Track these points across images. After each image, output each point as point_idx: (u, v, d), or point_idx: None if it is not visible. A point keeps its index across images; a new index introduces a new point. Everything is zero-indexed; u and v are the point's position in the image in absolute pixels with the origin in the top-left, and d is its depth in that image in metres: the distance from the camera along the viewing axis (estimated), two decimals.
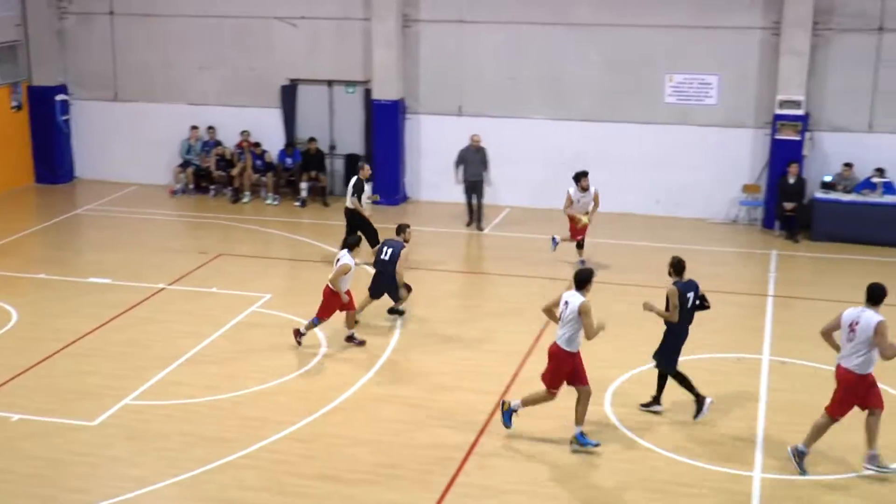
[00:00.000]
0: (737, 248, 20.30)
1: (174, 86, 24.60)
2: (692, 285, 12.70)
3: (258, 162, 23.70)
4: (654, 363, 13.05)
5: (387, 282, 15.80)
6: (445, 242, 20.70)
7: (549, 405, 12.44)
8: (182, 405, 13.12)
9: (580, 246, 18.97)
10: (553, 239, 19.07)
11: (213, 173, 24.02)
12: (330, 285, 14.72)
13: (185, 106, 24.53)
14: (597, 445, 12.04)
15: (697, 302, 12.76)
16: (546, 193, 22.18)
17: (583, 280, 12.04)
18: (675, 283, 12.63)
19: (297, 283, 18.52)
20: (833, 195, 20.50)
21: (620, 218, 21.91)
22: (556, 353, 12.08)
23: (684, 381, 12.83)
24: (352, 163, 23.89)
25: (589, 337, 11.94)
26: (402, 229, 16.06)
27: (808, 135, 20.96)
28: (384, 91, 22.97)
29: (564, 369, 12.01)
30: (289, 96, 23.96)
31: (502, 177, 22.20)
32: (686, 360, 14.36)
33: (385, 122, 23.13)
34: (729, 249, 20.19)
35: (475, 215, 21.63)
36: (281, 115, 24.01)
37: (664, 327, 12.82)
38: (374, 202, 19.50)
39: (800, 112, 20.78)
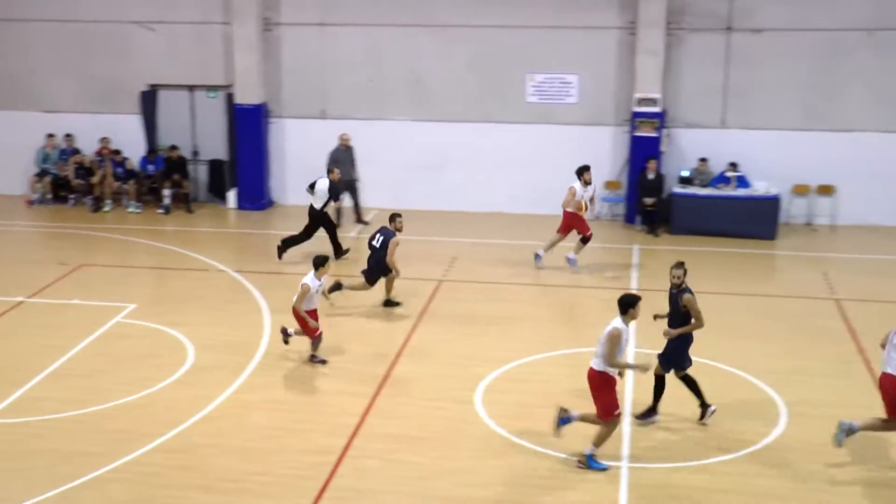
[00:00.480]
0: (600, 244, 20.72)
1: (28, 92, 23.90)
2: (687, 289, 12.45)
3: (119, 169, 23.21)
4: (665, 369, 12.69)
5: (379, 268, 16.34)
6: (314, 246, 20.57)
7: (422, 412, 12.51)
8: (45, 421, 12.75)
9: (586, 241, 18.73)
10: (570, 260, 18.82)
11: (71, 182, 23.42)
12: (295, 308, 14.26)
13: (41, 113, 23.85)
14: (604, 469, 11.68)
15: None
16: (410, 194, 22.30)
17: (625, 305, 11.56)
18: (688, 290, 12.43)
19: (163, 292, 18.21)
20: (690, 190, 21.14)
21: (489, 217, 22.16)
22: (594, 378, 11.65)
23: (693, 385, 12.69)
24: (215, 168, 23.61)
25: (608, 364, 11.46)
26: (393, 218, 16.47)
27: (665, 131, 21.57)
28: (246, 95, 22.76)
29: (608, 389, 11.59)
30: (149, 102, 23.52)
31: (367, 178, 22.23)
32: (555, 356, 14.66)
33: (248, 126, 22.92)
34: (592, 245, 20.56)
35: (355, 213, 21.66)
36: (141, 121, 23.56)
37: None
38: (338, 207, 19.80)
39: (657, 109, 21.37)
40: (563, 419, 11.97)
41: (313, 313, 14.38)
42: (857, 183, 21.31)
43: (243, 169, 22.99)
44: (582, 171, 18.65)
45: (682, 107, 21.80)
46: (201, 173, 23.84)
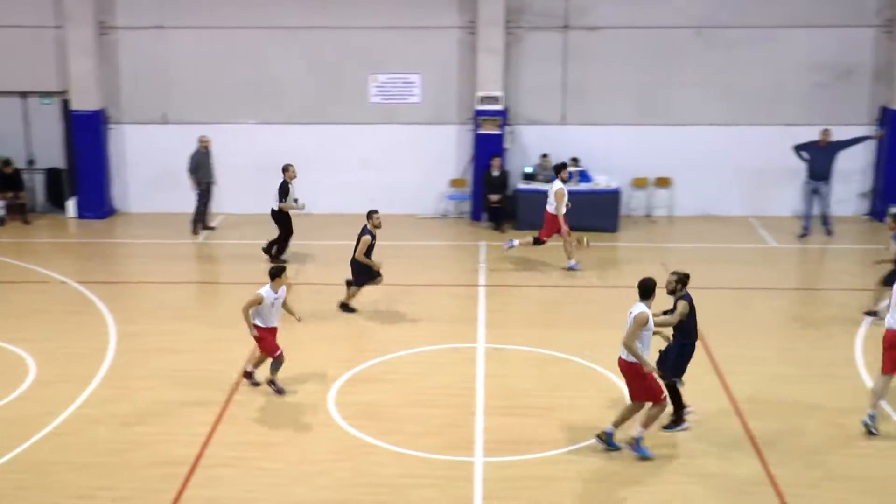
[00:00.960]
0: (448, 242, 20.95)
1: None
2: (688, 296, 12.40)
3: None
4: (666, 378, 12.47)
5: (356, 268, 16.29)
6: (158, 254, 20.19)
7: (275, 417, 12.43)
8: None
9: (540, 242, 18.85)
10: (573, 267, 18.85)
11: None
12: (252, 322, 13.27)
13: None
14: (651, 458, 11.79)
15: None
16: (256, 198, 22.11)
17: (647, 289, 11.78)
18: (684, 297, 12.36)
19: (1, 308, 17.56)
20: (534, 185, 21.53)
21: (337, 218, 22.12)
22: (625, 368, 11.79)
23: (676, 397, 12.59)
24: (53, 177, 22.90)
25: (625, 343, 11.59)
26: (370, 215, 16.26)
27: (507, 129, 21.92)
28: (83, 101, 22.14)
29: (642, 376, 11.67)
30: None
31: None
32: (408, 355, 14.76)
33: (86, 133, 22.29)
34: (440, 243, 20.80)
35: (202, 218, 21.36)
36: None
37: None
38: (300, 206, 19.25)
39: (499, 107, 21.70)
40: (608, 441, 11.96)
41: (272, 332, 13.44)
42: (692, 175, 22.09)
43: (83, 177, 22.36)
44: (560, 169, 18.80)
45: (524, 104, 22.20)
46: (38, 183, 23.08)
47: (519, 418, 12.96)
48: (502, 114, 21.75)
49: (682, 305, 12.33)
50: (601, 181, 21.59)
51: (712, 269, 18.85)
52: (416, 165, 22.43)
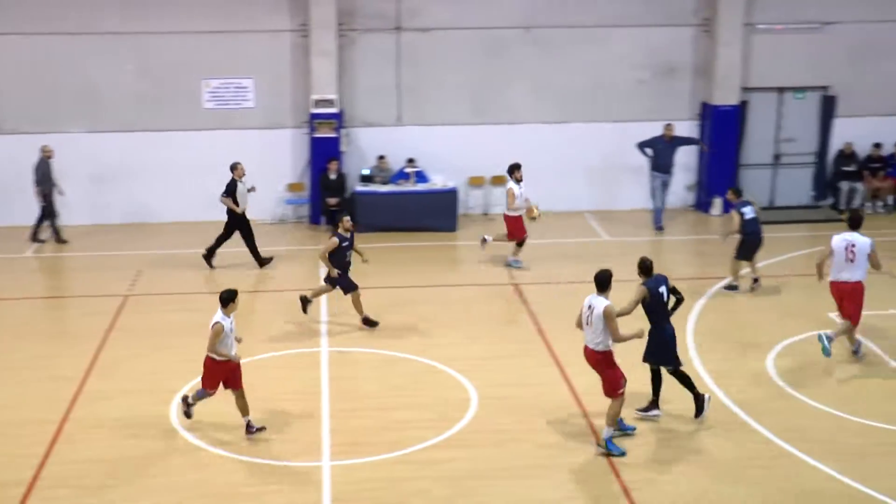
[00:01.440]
0: (287, 247, 20.79)
1: None
2: (661, 280, 12.61)
3: None
4: (651, 365, 12.89)
5: (337, 273, 15.86)
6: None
7: (115, 433, 12.13)
8: None
9: (521, 245, 18.94)
10: (483, 239, 19.20)
11: None
12: (210, 355, 12.26)
13: None
14: (623, 455, 12.00)
15: (671, 295, 12.67)
16: (89, 208, 21.53)
17: (604, 281, 11.97)
18: (644, 283, 12.51)
19: None
20: (372, 187, 21.59)
21: (173, 226, 21.71)
22: (597, 359, 12.12)
23: (685, 381, 12.85)
24: None
25: (616, 340, 11.89)
26: (342, 219, 15.82)
27: (343, 131, 21.91)
28: None
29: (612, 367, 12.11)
30: None
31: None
32: (250, 362, 14.60)
33: None
34: (279, 248, 20.62)
35: (35, 229, 20.61)
36: None
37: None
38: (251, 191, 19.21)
39: (334, 110, 21.66)
40: (610, 446, 12.09)
41: (230, 368, 12.37)
42: (527, 172, 22.42)
43: None
44: (513, 170, 18.86)
45: (359, 106, 22.23)
46: None
47: (365, 420, 13.01)
48: (337, 116, 21.73)
49: (637, 291, 12.55)
50: (438, 181, 21.80)
51: (548, 264, 19.29)
52: (253, 171, 22.10)
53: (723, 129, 21.85)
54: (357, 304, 16.02)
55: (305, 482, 11.56)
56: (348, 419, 13.05)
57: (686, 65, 22.49)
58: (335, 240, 15.78)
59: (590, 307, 12.03)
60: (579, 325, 12.28)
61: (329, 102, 21.63)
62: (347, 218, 16.00)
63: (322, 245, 15.92)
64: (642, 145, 21.45)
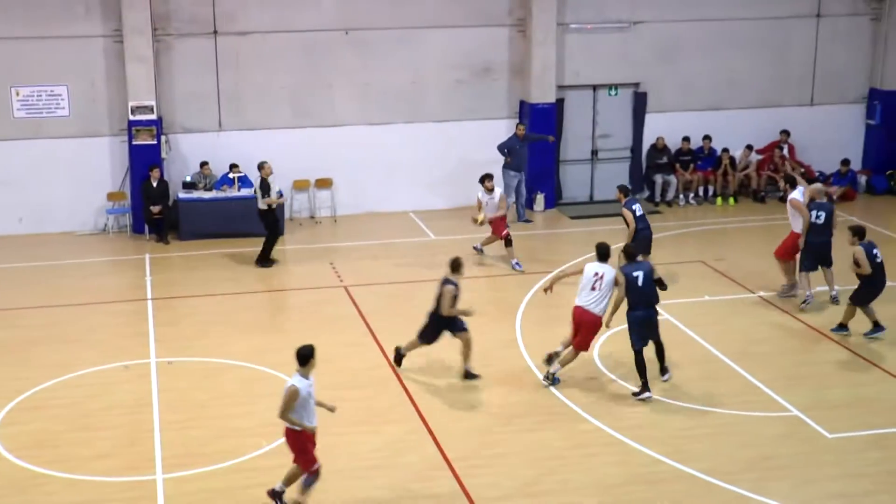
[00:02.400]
0: (110, 257, 20.27)
1: None
2: (641, 267, 13.70)
3: None
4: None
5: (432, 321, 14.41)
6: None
7: None
8: None
9: (510, 243, 18.99)
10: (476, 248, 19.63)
11: None
12: (287, 424, 10.69)
13: None
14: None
15: (646, 281, 13.61)
16: None
17: (606, 252, 13.76)
18: (621, 268, 13.69)
19: None
20: (195, 194, 21.23)
21: None
22: (592, 321, 13.66)
23: (639, 365, 13.71)
24: None
25: (616, 303, 13.61)
26: (455, 265, 14.10)
27: (164, 138, 21.46)
28: None
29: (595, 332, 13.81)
30: None
31: None
32: (75, 377, 14.23)
33: None
34: (102, 259, 20.10)
35: None
36: None
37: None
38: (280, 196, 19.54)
39: (153, 117, 21.20)
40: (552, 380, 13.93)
41: (310, 439, 10.79)
42: (352, 174, 22.56)
43: None
44: (483, 179, 19.16)
45: (179, 112, 21.82)
46: None
47: (197, 430, 12.85)
48: (157, 123, 21.28)
49: (619, 275, 13.70)
50: None
51: (376, 264, 19.40)
52: (69, 181, 21.48)
53: (541, 127, 22.39)
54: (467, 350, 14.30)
55: (139, 497, 11.35)
56: (180, 430, 12.85)
57: (503, 64, 22.95)
58: (451, 287, 13.89)
59: (596, 274, 13.63)
60: (560, 278, 14.61)
61: (147, 109, 21.16)
62: (461, 260, 14.10)
63: (442, 301, 13.93)
64: (501, 147, 21.89)
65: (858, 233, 15.62)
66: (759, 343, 15.59)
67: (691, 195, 23.53)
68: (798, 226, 17.05)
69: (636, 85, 23.56)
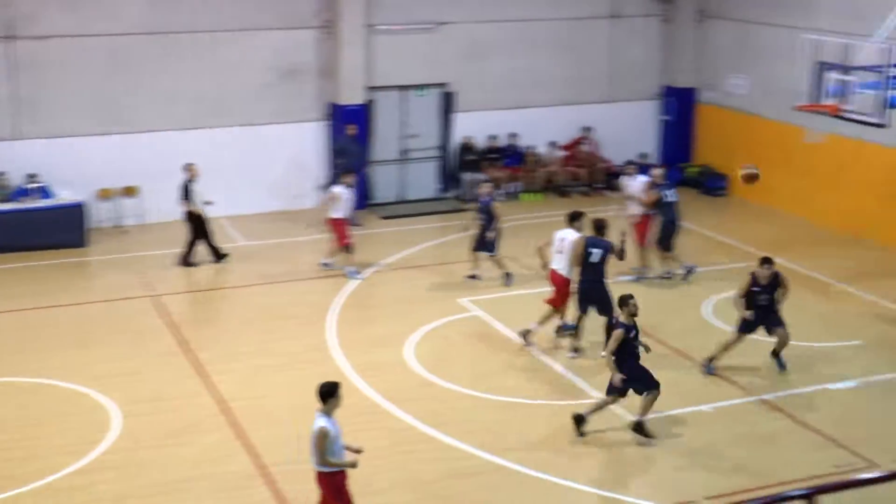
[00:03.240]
0: None
1: None
2: (598, 243, 14.88)
3: None
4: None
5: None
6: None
7: None
8: None
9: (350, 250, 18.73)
10: (347, 272, 18.62)
11: None
12: (320, 469, 9.90)
13: None
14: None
15: (600, 258, 14.79)
16: None
17: (574, 216, 15.33)
18: (583, 237, 15.01)
19: None
20: None
21: None
22: (561, 281, 15.21)
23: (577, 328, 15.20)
24: None
25: (575, 264, 15.00)
26: (624, 302, 12.82)
27: None
28: None
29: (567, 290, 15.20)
30: None
31: None
32: None
33: None
34: None
35: None
36: None
37: None
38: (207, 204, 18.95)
39: None
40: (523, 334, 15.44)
41: (344, 479, 10.07)
42: (158, 181, 22.02)
43: None
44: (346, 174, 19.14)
45: None
46: None
47: (5, 452, 12.39)
48: None
49: (576, 241, 15.07)
50: (65, 195, 20.86)
51: (186, 272, 19.08)
52: None
53: (344, 129, 22.39)
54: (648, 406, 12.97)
55: None
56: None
57: (311, 66, 22.90)
58: (620, 331, 12.67)
59: (562, 239, 15.15)
60: (542, 253, 15.67)
61: None
62: (634, 301, 12.75)
63: (610, 342, 12.83)
64: (338, 151, 21.88)
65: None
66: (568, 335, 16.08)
67: (499, 192, 24.03)
68: (637, 210, 18.38)
69: (444, 85, 23.92)
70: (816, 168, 21.64)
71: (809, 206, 22.10)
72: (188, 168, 19.16)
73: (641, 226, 18.43)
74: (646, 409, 12.75)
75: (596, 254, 14.83)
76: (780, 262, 18.98)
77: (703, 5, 24.90)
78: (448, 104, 23.95)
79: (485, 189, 18.46)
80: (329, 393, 9.80)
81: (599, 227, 15.13)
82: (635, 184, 18.63)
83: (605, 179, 24.43)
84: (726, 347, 14.61)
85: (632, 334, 12.58)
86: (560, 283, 15.36)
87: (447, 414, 13.39)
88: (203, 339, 15.65)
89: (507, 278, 18.23)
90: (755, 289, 14.29)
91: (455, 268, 19.07)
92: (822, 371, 14.77)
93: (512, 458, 12.30)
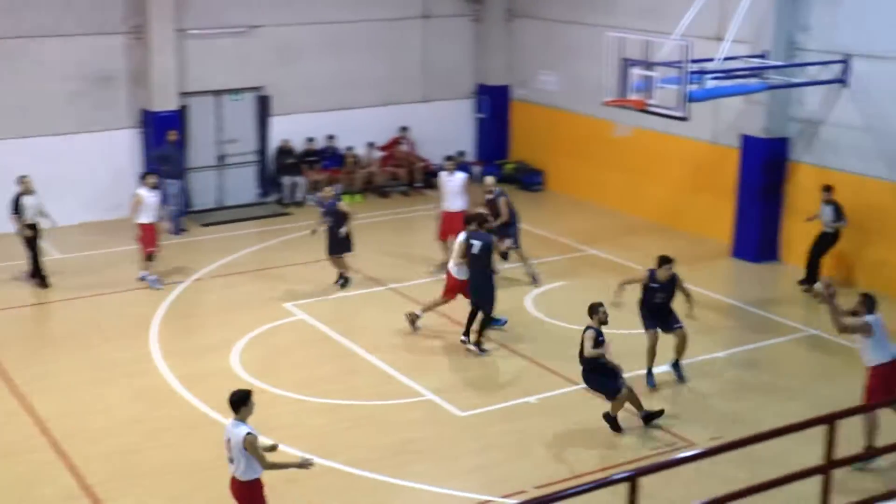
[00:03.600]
0: None
1: None
2: (480, 236, 15.38)
3: None
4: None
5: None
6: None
7: None
8: None
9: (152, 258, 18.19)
10: (146, 278, 18.17)
11: None
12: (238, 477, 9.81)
13: None
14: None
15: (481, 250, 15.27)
16: None
17: (468, 219, 15.81)
18: (467, 231, 15.53)
19: None
20: None
21: None
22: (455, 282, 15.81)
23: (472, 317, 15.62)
24: None
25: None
26: (594, 311, 13.06)
27: None
28: None
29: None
30: None
31: None
32: None
33: None
34: None
35: None
36: None
37: None
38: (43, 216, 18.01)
39: None
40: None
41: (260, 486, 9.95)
42: None
43: None
44: (146, 175, 18.56)
45: None
46: None
47: None
48: None
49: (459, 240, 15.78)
50: None
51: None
52: None
53: (165, 136, 21.97)
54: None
55: None
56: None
57: (121, 73, 22.31)
58: (592, 332, 12.98)
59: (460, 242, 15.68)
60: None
61: None
62: (603, 309, 13.11)
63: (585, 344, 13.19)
64: (155, 155, 21.38)
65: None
66: (392, 335, 16.22)
67: (339, 191, 23.99)
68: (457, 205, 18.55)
69: (259, 89, 23.71)
70: (626, 161, 22.45)
71: (621, 198, 22.90)
72: (21, 181, 18.23)
73: (449, 220, 18.40)
74: (616, 408, 13.05)
75: (476, 245, 15.32)
76: (595, 253, 19.77)
77: (512, 5, 25.48)
78: (264, 108, 23.77)
79: (328, 192, 18.42)
80: (241, 401, 9.75)
81: (481, 221, 15.76)
82: (453, 180, 18.85)
83: (424, 178, 24.71)
84: (653, 352, 14.39)
85: (600, 339, 12.89)
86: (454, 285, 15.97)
87: (276, 420, 13.28)
88: (19, 357, 15.11)
89: (345, 281, 18.27)
90: (653, 285, 14.25)
91: (278, 272, 18.99)
92: (641, 357, 15.33)
93: (342, 459, 12.34)
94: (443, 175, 19.31)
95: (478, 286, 15.54)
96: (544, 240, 20.88)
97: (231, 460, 9.81)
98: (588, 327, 13.01)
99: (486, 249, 15.40)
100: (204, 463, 12.23)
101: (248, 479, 9.81)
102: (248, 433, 9.63)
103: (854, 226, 17.86)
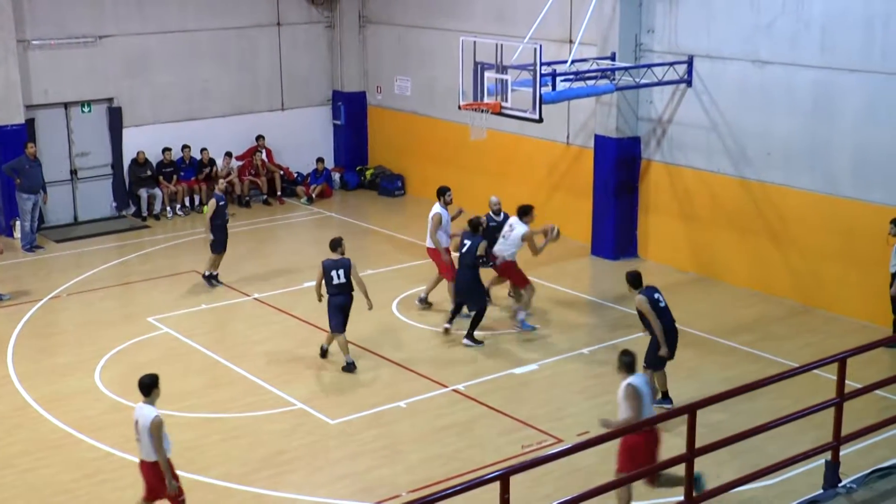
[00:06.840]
0: None
1: None
2: (473, 238, 16.04)
3: None
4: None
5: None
6: None
7: None
8: None
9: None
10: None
11: None
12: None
13: None
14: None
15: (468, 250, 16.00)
16: None
17: (526, 211, 16.36)
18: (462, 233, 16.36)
19: None
20: None
21: None
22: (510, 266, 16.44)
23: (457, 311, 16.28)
24: None
25: (536, 254, 16.51)
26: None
27: None
28: None
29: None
30: None
31: None
32: None
33: None
34: None
35: None
36: None
37: None
38: None
39: None
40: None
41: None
42: None
43: None
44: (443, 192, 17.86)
45: None
46: None
47: None
48: None
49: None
50: None
51: None
52: None
53: (13, 151, 21.27)
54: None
55: None
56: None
57: None
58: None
59: (510, 226, 16.41)
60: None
61: None
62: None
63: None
64: (10, 169, 20.63)
65: (633, 281, 13.24)
66: (258, 343, 16.12)
67: (178, 206, 23.64)
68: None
69: (110, 100, 23.21)
70: (484, 164, 22.75)
71: (481, 201, 23.10)
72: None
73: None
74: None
75: (466, 245, 15.98)
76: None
77: (365, 11, 25.56)
78: (116, 119, 23.25)
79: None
80: (153, 383, 10.43)
81: (475, 226, 16.19)
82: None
83: (284, 187, 24.58)
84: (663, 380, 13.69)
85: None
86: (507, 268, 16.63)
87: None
88: None
89: (212, 282, 18.42)
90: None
91: (139, 286, 18.66)
92: (511, 356, 15.61)
93: (214, 474, 12.23)
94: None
95: (464, 286, 16.07)
96: (406, 244, 21.01)
97: (138, 440, 10.36)
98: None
99: (475, 250, 15.92)
100: (69, 483, 11.97)
101: (155, 460, 10.29)
102: (156, 416, 10.21)
103: (703, 220, 18.53)
